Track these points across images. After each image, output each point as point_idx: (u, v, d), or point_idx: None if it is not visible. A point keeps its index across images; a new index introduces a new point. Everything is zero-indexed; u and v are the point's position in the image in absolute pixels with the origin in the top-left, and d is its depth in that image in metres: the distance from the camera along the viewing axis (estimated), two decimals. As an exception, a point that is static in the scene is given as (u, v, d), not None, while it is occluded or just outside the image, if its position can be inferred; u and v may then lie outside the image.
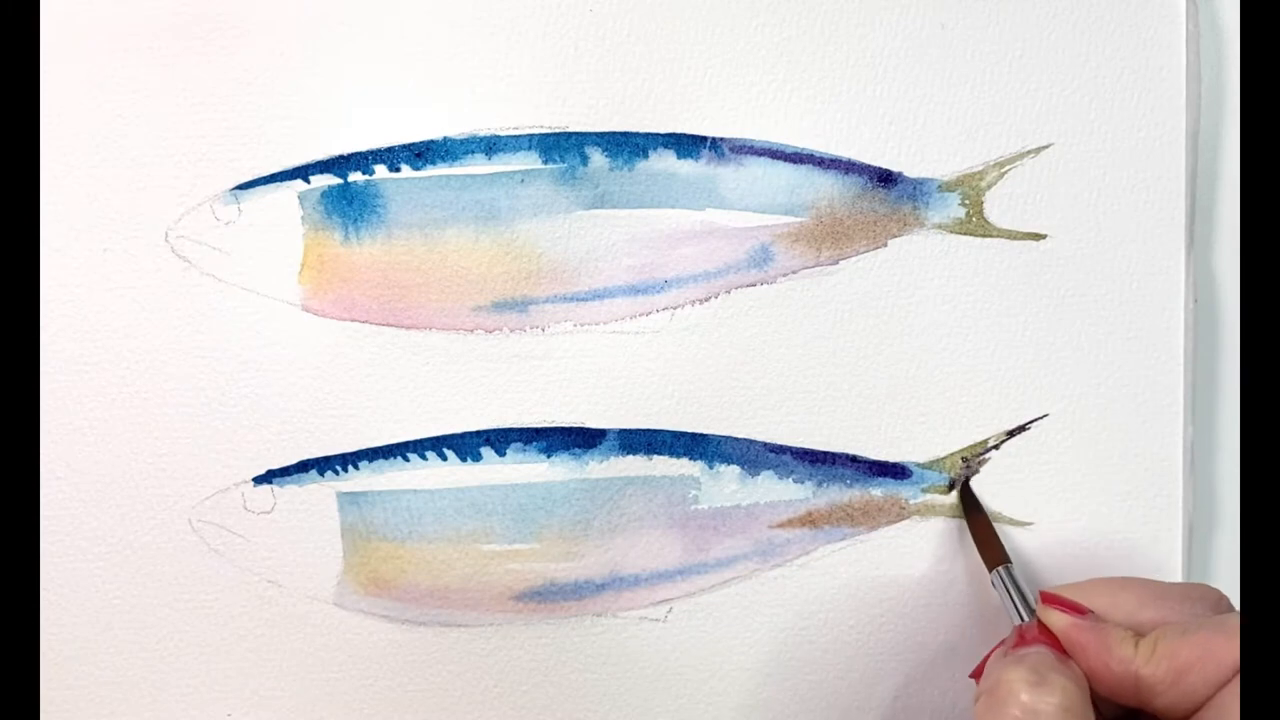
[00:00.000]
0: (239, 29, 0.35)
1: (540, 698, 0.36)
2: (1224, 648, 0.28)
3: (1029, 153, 0.35)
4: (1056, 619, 0.31)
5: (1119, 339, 0.36)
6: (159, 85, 0.35)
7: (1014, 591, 0.33)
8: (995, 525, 0.36)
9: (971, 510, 0.36)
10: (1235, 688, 0.28)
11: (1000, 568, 0.34)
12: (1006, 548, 0.35)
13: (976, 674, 0.32)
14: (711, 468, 0.36)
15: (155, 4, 0.35)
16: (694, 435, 0.36)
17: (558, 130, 0.35)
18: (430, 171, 0.35)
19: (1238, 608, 0.30)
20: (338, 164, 0.35)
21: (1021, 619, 0.32)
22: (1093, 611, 0.31)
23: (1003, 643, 0.32)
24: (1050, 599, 0.31)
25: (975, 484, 0.36)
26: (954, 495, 0.36)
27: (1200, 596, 0.31)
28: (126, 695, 0.36)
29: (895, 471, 0.36)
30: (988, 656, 0.32)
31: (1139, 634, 0.30)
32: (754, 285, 0.36)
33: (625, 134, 0.35)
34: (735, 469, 0.36)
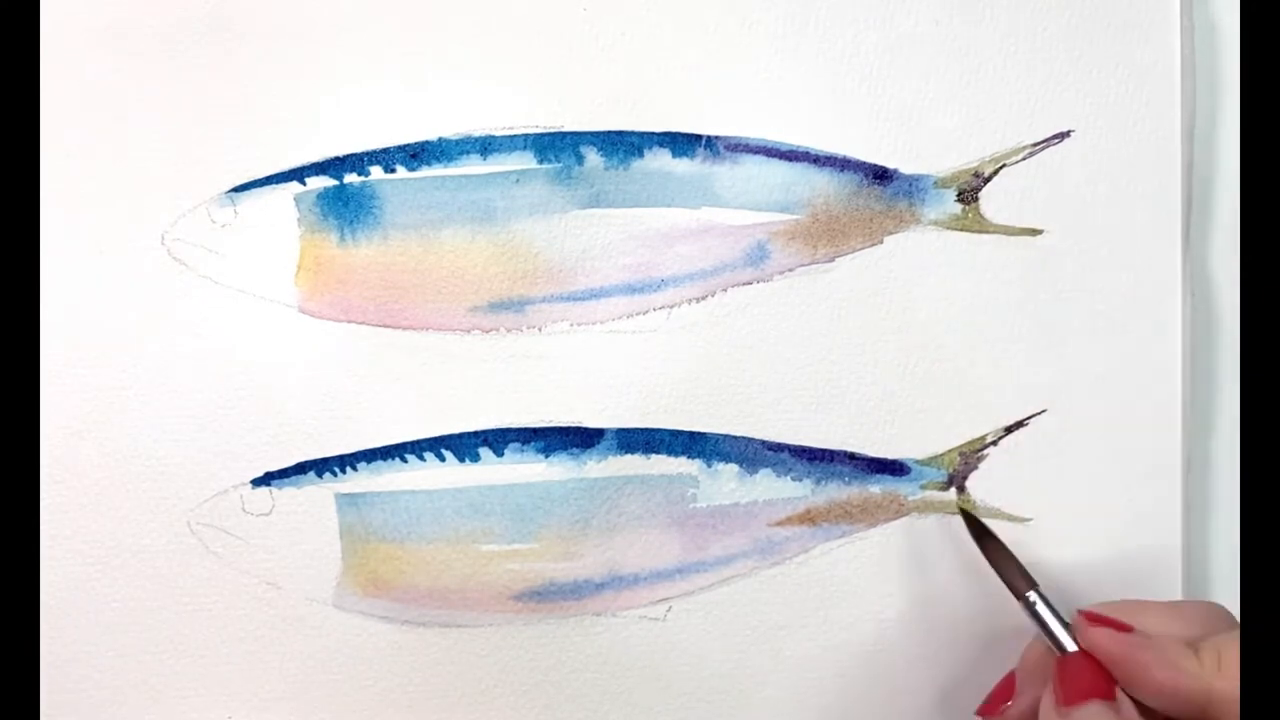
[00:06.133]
0: (234, 31, 0.35)
1: (540, 697, 0.36)
2: None
3: (1025, 148, 0.35)
4: (1105, 639, 0.29)
5: (1116, 333, 0.36)
6: (155, 88, 0.35)
7: (1050, 615, 0.31)
8: (996, 522, 0.36)
9: (984, 539, 0.34)
10: None
11: (1031, 592, 0.32)
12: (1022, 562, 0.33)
13: (989, 709, 0.31)
14: (710, 466, 0.36)
15: (153, 6, 0.35)
16: (692, 434, 0.36)
17: (552, 130, 0.35)
18: (425, 172, 0.35)
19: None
20: (333, 165, 0.35)
21: (1059, 648, 0.30)
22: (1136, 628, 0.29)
23: (1008, 682, 0.31)
24: (1094, 617, 0.29)
25: (973, 480, 0.36)
26: (952, 491, 0.36)
27: (1214, 614, 0.30)
28: (126, 698, 0.36)
29: (893, 468, 0.36)
30: (999, 691, 0.31)
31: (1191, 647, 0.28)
32: (750, 283, 0.36)
33: (620, 133, 0.35)
34: (733, 467, 0.36)
